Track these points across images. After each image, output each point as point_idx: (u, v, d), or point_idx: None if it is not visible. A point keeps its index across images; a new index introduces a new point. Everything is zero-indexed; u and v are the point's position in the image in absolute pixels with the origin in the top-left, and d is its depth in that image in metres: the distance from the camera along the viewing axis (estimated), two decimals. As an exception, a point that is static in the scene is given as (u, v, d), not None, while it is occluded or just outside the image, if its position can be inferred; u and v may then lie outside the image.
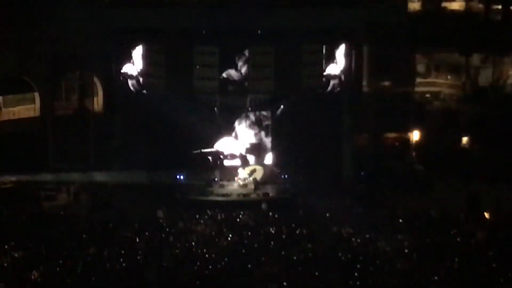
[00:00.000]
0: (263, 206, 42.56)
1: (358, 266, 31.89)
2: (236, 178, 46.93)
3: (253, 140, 48.39)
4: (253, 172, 47.02)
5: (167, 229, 37.41)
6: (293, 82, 46.95)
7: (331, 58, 47.37)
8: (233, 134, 48.26)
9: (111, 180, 45.48)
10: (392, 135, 49.29)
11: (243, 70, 46.74)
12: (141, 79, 47.62)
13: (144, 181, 44.32)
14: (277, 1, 45.92)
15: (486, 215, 39.75)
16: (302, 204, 42.63)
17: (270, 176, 47.26)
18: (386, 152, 48.49)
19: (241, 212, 40.58)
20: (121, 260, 32.76)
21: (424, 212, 40.19)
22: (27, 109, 48.24)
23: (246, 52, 46.48)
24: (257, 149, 48.41)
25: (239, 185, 46.31)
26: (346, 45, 46.99)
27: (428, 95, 51.72)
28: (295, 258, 33.34)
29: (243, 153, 48.15)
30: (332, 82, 47.50)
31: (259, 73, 46.66)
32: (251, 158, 48.19)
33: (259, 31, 45.86)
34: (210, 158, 47.18)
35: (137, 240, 35.64)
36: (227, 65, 46.55)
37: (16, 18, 45.78)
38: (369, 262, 32.49)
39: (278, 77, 46.62)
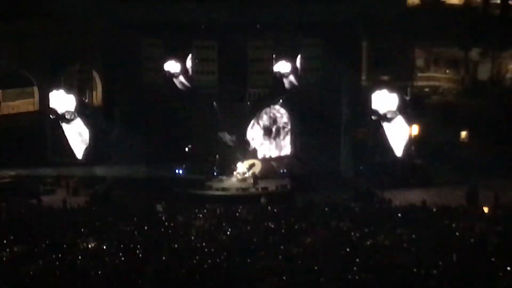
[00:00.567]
0: (263, 200, 42.61)
1: (357, 260, 31.92)
2: (235, 173, 46.97)
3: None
4: (252, 166, 47.05)
5: (166, 223, 37.44)
6: (291, 76, 47.08)
7: (329, 52, 47.35)
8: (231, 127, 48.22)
9: (110, 174, 45.54)
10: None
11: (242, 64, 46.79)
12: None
13: (143, 175, 44.38)
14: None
15: (485, 209, 39.81)
16: (301, 198, 42.68)
17: (269, 170, 47.30)
18: (385, 146, 48.49)
19: (240, 206, 40.62)
20: (120, 254, 32.78)
21: (423, 205, 40.27)
22: (26, 103, 48.26)
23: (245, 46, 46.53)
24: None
25: (238, 179, 46.35)
26: (344, 39, 46.96)
27: (427, 89, 51.77)
28: (294, 252, 33.36)
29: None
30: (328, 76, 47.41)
31: (258, 67, 46.68)
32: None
33: (258, 26, 45.88)
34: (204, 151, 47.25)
35: (136, 234, 35.65)
36: (226, 59, 46.53)
37: (15, 12, 45.78)
38: (368, 256, 32.51)
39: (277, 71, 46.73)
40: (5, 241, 34.21)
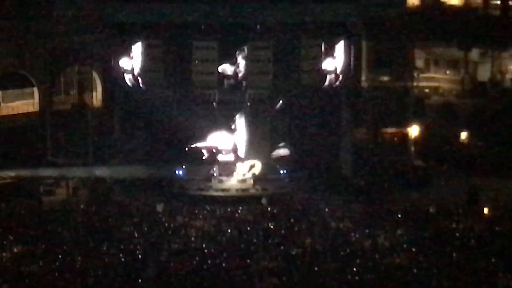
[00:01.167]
0: (263, 201, 42.52)
1: (357, 260, 31.92)
2: (235, 173, 46.94)
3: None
4: (252, 167, 47.02)
5: (166, 224, 37.43)
6: (292, 77, 46.99)
7: (329, 53, 47.32)
8: (230, 128, 48.17)
9: (110, 175, 45.51)
10: (391, 130, 49.28)
11: (242, 65, 46.74)
12: (138, 74, 47.57)
13: (143, 175, 44.36)
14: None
15: (485, 209, 39.80)
16: (300, 199, 42.65)
17: (268, 171, 47.26)
18: (385, 147, 48.49)
19: (240, 207, 40.60)
20: (120, 254, 32.78)
21: (423, 206, 40.26)
22: (26, 104, 48.21)
23: (245, 47, 46.50)
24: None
25: (238, 180, 46.31)
26: (344, 40, 46.93)
27: (427, 90, 51.72)
28: (293, 252, 33.36)
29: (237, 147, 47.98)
30: (328, 77, 47.41)
31: (258, 67, 46.66)
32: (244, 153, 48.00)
33: (257, 26, 45.86)
34: (204, 152, 47.19)
35: (136, 234, 35.65)
36: (226, 60, 46.52)
37: (15, 13, 45.75)
38: (368, 256, 32.51)
39: (277, 72, 46.66)
40: (5, 242, 34.22)
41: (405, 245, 34.17)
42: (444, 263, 31.81)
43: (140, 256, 32.97)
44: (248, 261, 32.43)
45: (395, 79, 48.25)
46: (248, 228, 36.76)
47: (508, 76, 51.55)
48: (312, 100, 46.79)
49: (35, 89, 47.85)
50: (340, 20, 45.94)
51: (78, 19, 45.02)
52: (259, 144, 47.86)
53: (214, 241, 35.03)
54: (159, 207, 40.49)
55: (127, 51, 47.01)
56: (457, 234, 35.54)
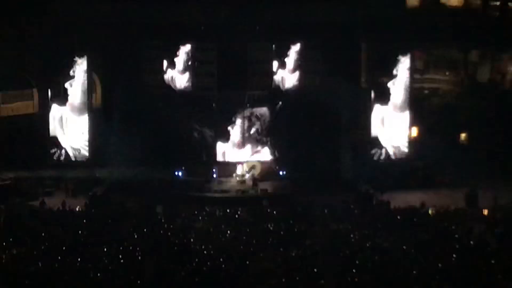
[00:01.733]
0: (264, 202, 42.52)
1: (357, 262, 31.90)
2: (234, 175, 46.97)
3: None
4: (251, 168, 47.06)
5: (166, 225, 37.42)
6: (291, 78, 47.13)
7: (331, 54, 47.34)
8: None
9: (109, 176, 45.53)
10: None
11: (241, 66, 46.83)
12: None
13: (143, 177, 44.37)
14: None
15: (484, 211, 39.81)
16: (300, 200, 42.66)
17: (268, 173, 47.30)
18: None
19: (240, 209, 40.61)
20: (120, 256, 32.77)
21: (422, 208, 40.27)
22: (26, 105, 48.21)
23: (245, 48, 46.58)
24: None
25: (238, 182, 46.34)
26: (344, 41, 46.95)
27: (426, 91, 51.72)
28: (293, 254, 33.35)
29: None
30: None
31: (257, 69, 46.72)
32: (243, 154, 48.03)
33: (257, 27, 45.90)
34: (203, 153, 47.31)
35: (135, 236, 35.63)
36: (226, 61, 46.58)
37: (15, 14, 45.76)
38: (368, 258, 32.49)
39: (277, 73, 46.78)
40: (4, 243, 34.20)
41: (404, 247, 34.10)
42: (444, 264, 31.78)
43: (139, 258, 32.93)
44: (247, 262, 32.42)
45: (394, 81, 48.20)
46: (248, 229, 36.74)
47: (507, 77, 51.55)
48: (312, 101, 46.84)
49: (35, 91, 47.85)
50: (339, 21, 46.00)
51: (79, 19, 45.01)
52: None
53: (214, 242, 35.01)
54: (159, 209, 40.52)
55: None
56: (456, 236, 35.52)
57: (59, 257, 32.50)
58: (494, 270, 30.94)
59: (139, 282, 30.28)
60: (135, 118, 46.70)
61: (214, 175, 46.82)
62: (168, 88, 47.08)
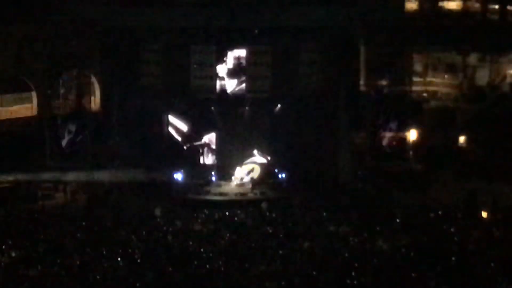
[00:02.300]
0: (263, 205, 42.51)
1: (356, 265, 31.89)
2: (233, 178, 46.95)
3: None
4: (250, 171, 47.04)
5: (164, 228, 37.41)
6: (291, 81, 47.02)
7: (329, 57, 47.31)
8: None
9: (108, 179, 45.50)
10: (389, 134, 49.28)
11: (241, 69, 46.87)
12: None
13: (141, 180, 44.36)
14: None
15: (483, 213, 39.80)
16: (299, 203, 42.65)
17: (267, 175, 47.27)
18: (384, 151, 48.48)
19: (238, 211, 40.60)
20: (118, 259, 32.75)
21: (421, 210, 40.26)
22: (25, 108, 48.17)
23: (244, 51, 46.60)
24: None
25: (236, 184, 46.33)
26: (343, 44, 46.98)
27: (425, 94, 51.71)
28: (292, 257, 33.33)
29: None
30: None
31: (257, 72, 46.74)
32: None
33: (256, 30, 45.93)
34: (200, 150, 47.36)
35: (134, 239, 35.61)
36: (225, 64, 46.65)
37: (13, 16, 45.74)
38: (366, 261, 32.48)
39: (276, 76, 46.73)
40: (3, 246, 34.17)
41: (403, 249, 34.09)
42: (443, 267, 31.77)
43: (138, 260, 32.91)
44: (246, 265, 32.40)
45: (394, 83, 48.23)
46: (246, 232, 36.72)
47: (506, 80, 51.54)
48: (311, 104, 46.85)
49: (34, 93, 47.82)
50: (338, 25, 46.03)
51: (78, 22, 45.03)
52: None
53: (212, 245, 34.99)
54: (157, 211, 40.51)
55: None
56: (455, 238, 35.52)
57: (58, 260, 32.49)
58: (494, 272, 30.95)
59: (138, 285, 30.25)
60: (134, 120, 46.70)
61: (213, 178, 46.81)
62: (166, 90, 47.10)
